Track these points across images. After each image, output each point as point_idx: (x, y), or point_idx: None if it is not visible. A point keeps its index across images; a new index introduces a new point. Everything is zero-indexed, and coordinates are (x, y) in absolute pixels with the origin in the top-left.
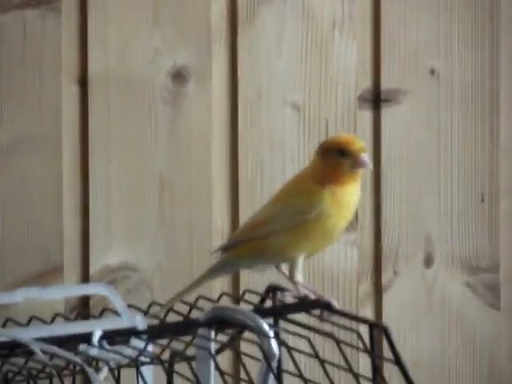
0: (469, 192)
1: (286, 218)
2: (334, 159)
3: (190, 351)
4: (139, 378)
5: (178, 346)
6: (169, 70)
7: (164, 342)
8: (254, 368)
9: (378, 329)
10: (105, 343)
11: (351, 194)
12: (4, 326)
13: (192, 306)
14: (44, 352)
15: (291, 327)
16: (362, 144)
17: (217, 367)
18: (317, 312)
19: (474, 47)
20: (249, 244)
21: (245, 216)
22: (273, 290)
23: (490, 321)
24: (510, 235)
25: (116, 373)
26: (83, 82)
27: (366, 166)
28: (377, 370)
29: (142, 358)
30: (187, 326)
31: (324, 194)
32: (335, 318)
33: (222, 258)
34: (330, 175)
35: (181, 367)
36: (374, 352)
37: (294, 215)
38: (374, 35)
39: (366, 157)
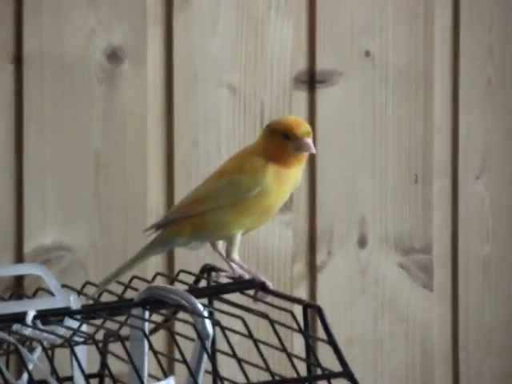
0: (402, 173)
1: (228, 194)
2: (278, 141)
3: (124, 331)
4: (73, 358)
5: (112, 326)
6: (104, 50)
7: (98, 322)
8: (188, 348)
9: (311, 309)
10: (38, 323)
11: (292, 176)
12: None
13: (126, 286)
14: None
15: (225, 307)
16: (306, 128)
17: (151, 347)
18: (251, 292)
19: (409, 29)
20: (187, 221)
21: (180, 196)
22: (207, 270)
23: (422, 301)
24: (443, 216)
25: (50, 352)
26: (18, 61)
27: (309, 149)
28: (310, 349)
29: (76, 338)
30: (121, 306)
31: (267, 172)
32: (269, 298)
33: (158, 235)
34: (274, 155)
35: (115, 347)
36: (307, 332)
37: (236, 192)
38: (310, 16)
39: (310, 141)
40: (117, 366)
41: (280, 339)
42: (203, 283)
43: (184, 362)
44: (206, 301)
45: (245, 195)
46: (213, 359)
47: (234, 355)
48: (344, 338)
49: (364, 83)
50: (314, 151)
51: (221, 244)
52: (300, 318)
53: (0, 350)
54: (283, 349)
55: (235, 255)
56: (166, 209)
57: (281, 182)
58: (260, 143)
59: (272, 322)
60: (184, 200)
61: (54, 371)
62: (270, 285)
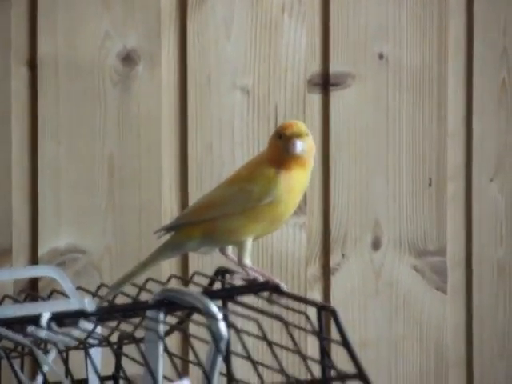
0: (416, 176)
1: (238, 202)
2: (275, 142)
3: (139, 333)
4: (87, 360)
5: (126, 328)
6: (118, 53)
7: (113, 324)
8: (202, 350)
9: (325, 311)
10: (53, 325)
11: (300, 180)
12: None
13: (141, 288)
14: None
15: (240, 309)
16: (298, 129)
17: (165, 349)
18: (265, 294)
19: (423, 32)
20: (198, 226)
21: (194, 199)
22: (222, 272)
23: (436, 304)
24: (457, 219)
25: (64, 355)
26: (32, 65)
27: (292, 149)
28: (324, 351)
29: (91, 340)
30: (136, 308)
31: (278, 182)
32: (284, 301)
33: (168, 239)
34: (274, 158)
35: (129, 349)
36: (321, 334)
37: (247, 200)
38: (323, 19)
39: (297, 142)
40: (131, 368)
41: (294, 341)
42: (217, 285)
43: (198, 363)
44: (220, 303)
45: (255, 204)
46: (227, 361)
47: (249, 357)
48: (358, 341)
49: (378, 86)
50: (295, 152)
51: (230, 249)
52: (314, 321)
53: (15, 352)
54: (297, 351)
55: (247, 261)
56: (179, 212)
57: (291, 189)
58: (267, 147)
59: (286, 324)
60: (195, 205)
61: (68, 373)
62: (285, 287)
